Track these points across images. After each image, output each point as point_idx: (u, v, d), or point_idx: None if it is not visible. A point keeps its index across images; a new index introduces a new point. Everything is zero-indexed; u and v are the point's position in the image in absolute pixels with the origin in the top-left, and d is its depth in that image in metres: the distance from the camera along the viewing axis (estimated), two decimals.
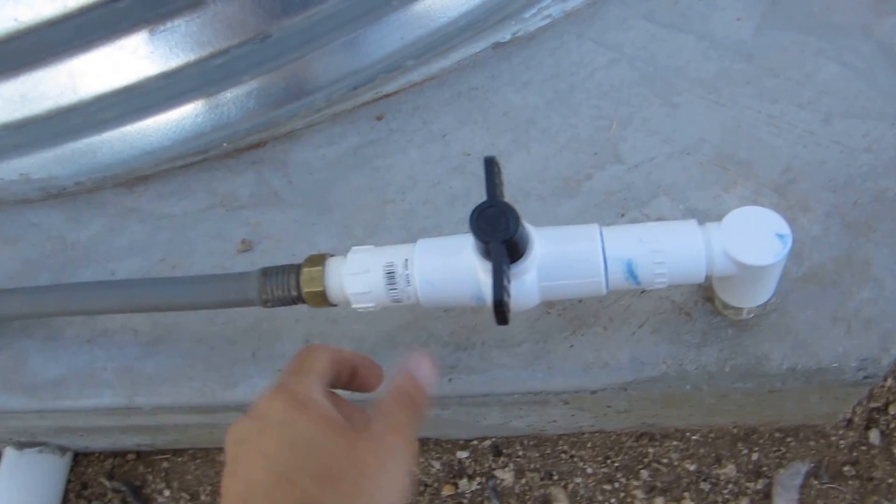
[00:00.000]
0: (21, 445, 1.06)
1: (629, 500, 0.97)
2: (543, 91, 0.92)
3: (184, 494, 1.09)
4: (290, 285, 0.69)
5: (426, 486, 1.02)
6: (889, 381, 0.99)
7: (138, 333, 0.85)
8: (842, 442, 0.95)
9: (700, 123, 0.85)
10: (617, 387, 0.75)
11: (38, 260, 0.94)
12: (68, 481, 1.13)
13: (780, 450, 0.95)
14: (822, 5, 0.90)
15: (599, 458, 0.99)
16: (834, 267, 0.73)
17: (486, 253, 0.59)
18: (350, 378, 0.60)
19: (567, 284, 0.63)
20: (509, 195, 0.59)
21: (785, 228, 0.62)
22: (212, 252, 0.89)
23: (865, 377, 0.71)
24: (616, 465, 0.98)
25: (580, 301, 0.76)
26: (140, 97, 0.93)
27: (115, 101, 0.93)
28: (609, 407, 0.83)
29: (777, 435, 0.96)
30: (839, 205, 0.76)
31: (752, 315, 0.72)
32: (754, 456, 0.96)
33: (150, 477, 1.11)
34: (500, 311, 0.56)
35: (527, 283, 0.62)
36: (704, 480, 0.96)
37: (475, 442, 1.02)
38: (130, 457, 1.12)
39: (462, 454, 1.02)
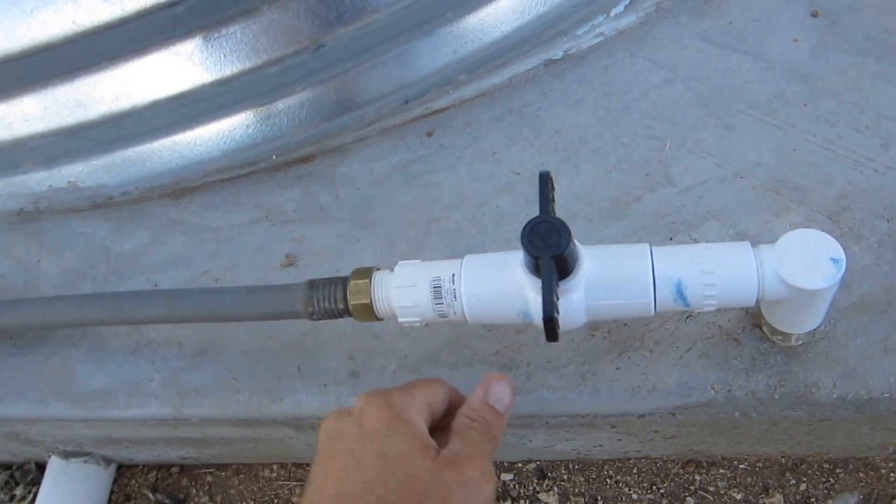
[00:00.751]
0: (66, 455, 1.10)
1: None
2: (596, 110, 0.95)
3: None
4: (337, 297, 0.71)
5: None
6: None
7: (183, 345, 0.90)
8: (892, 475, 0.96)
9: (755, 146, 0.88)
10: (665, 411, 0.78)
11: (82, 270, 0.99)
12: (111, 492, 1.17)
13: (828, 481, 0.97)
14: (881, 27, 0.93)
15: (645, 485, 1.01)
16: (885, 296, 0.76)
17: (536, 268, 0.61)
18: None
19: (615, 304, 0.65)
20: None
21: (839, 252, 0.64)
22: (255, 266, 0.93)
23: None
24: (662, 491, 1.00)
25: (626, 324, 0.79)
26: (193, 105, 0.98)
27: (169, 108, 0.98)
28: (656, 432, 0.86)
29: (826, 466, 0.98)
30: (893, 233, 0.79)
31: (800, 342, 0.74)
32: (802, 486, 0.98)
33: (193, 490, 1.15)
34: (550, 326, 0.59)
35: (574, 302, 0.64)
36: None
37: (519, 464, 1.05)
38: (174, 470, 1.17)
39: (506, 476, 1.05)
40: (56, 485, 1.09)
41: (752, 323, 0.77)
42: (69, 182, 1.04)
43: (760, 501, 0.98)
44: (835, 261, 0.63)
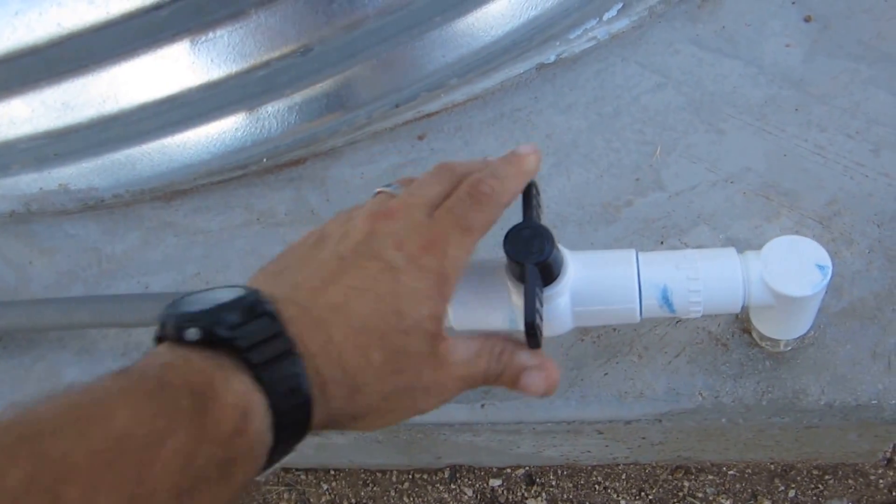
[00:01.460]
0: None
1: None
2: (587, 114, 0.95)
3: None
4: None
5: None
6: None
7: None
8: (881, 482, 0.96)
9: (746, 151, 0.88)
10: (652, 417, 0.78)
11: (73, 272, 0.99)
12: None
13: (817, 488, 0.97)
14: (874, 33, 0.93)
15: (634, 491, 1.01)
16: (875, 302, 0.76)
17: (520, 275, 0.61)
18: None
19: (600, 310, 0.65)
20: (546, 221, 0.62)
21: (825, 259, 0.64)
22: (246, 268, 0.93)
23: None
24: (650, 498, 1.00)
25: (615, 329, 0.79)
26: (182, 108, 0.98)
27: (157, 111, 0.98)
28: (644, 438, 0.86)
29: (815, 472, 0.97)
30: (883, 239, 0.79)
31: (789, 348, 0.74)
32: (791, 493, 0.98)
33: None
34: (533, 333, 0.59)
35: (560, 308, 0.64)
36: None
37: (508, 470, 1.05)
38: None
39: (495, 482, 1.05)
40: None
41: (741, 329, 0.77)
42: (60, 184, 1.04)
43: None
44: (821, 267, 0.63)
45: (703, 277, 0.64)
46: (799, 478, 0.98)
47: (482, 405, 0.80)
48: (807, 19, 0.96)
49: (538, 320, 0.58)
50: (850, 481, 0.97)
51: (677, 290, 0.64)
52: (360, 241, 0.51)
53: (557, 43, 0.99)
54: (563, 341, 0.79)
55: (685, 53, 0.97)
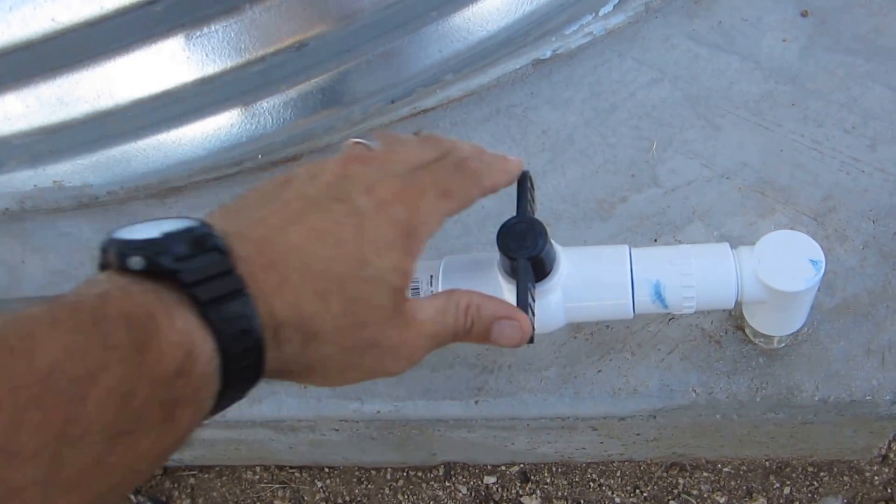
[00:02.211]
0: None
1: None
2: (583, 110, 0.95)
3: None
4: None
5: None
6: None
7: None
8: (876, 478, 0.96)
9: (742, 147, 0.88)
10: (646, 414, 0.78)
11: (66, 270, 0.99)
12: None
13: (812, 484, 0.97)
14: (871, 27, 0.93)
15: (629, 488, 1.01)
16: (868, 298, 0.76)
17: (512, 270, 0.61)
18: None
19: (593, 306, 0.65)
20: (540, 217, 0.62)
21: (819, 254, 0.64)
22: None
23: None
24: (645, 495, 1.00)
25: (608, 326, 0.79)
26: (176, 104, 0.98)
27: (152, 107, 0.98)
28: (638, 435, 0.86)
29: (810, 469, 0.98)
30: (878, 235, 0.79)
31: (783, 344, 0.74)
32: (786, 490, 0.98)
33: (175, 493, 1.15)
34: None
35: (552, 303, 0.64)
36: None
37: (502, 467, 1.05)
38: (157, 471, 1.17)
39: (489, 479, 1.05)
40: None
41: (735, 325, 0.77)
42: (54, 181, 1.04)
43: None
44: (814, 262, 0.63)
45: (696, 273, 0.64)
46: (794, 475, 0.98)
47: (476, 401, 0.80)
48: (803, 14, 0.96)
49: (531, 316, 0.59)
50: (846, 478, 0.97)
51: (670, 286, 0.64)
52: (330, 182, 0.48)
53: (553, 38, 0.99)
54: (556, 338, 0.79)
55: (681, 49, 0.97)
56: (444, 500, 1.07)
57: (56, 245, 1.02)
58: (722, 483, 0.99)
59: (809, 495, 0.97)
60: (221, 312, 0.40)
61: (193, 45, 0.93)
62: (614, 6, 1.00)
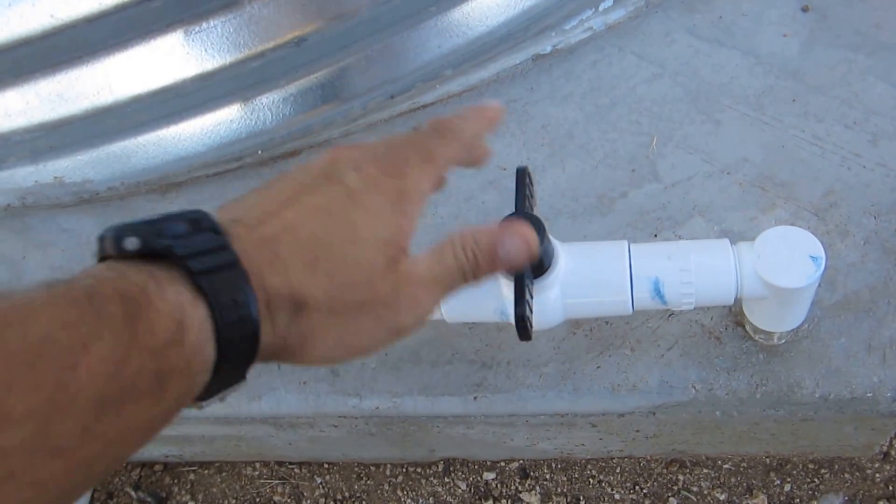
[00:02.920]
0: None
1: None
2: (583, 105, 0.94)
3: None
4: None
5: None
6: None
7: None
8: (878, 475, 0.95)
9: (742, 142, 0.87)
10: (645, 410, 0.77)
11: (67, 266, 0.98)
12: (94, 490, 1.16)
13: (813, 482, 0.96)
14: (871, 23, 0.91)
15: (628, 485, 1.00)
16: (870, 295, 0.75)
17: None
18: None
19: (591, 302, 0.65)
20: (539, 212, 0.61)
21: (819, 250, 0.63)
22: None
23: None
24: (645, 491, 0.99)
25: (607, 322, 0.78)
26: (176, 100, 0.97)
27: (152, 102, 0.97)
28: (638, 431, 0.85)
29: (811, 466, 0.97)
30: (880, 230, 0.78)
31: (783, 340, 0.73)
32: (786, 487, 0.97)
33: (175, 489, 1.14)
34: (522, 325, 0.58)
35: (550, 300, 0.63)
36: None
37: (502, 463, 1.04)
38: (157, 468, 1.16)
39: (489, 475, 1.04)
40: None
41: (735, 321, 0.76)
42: (55, 177, 1.03)
43: (744, 502, 0.97)
44: (814, 258, 0.62)
45: (696, 269, 0.63)
46: (794, 472, 0.97)
47: (475, 397, 0.79)
48: (804, 9, 0.95)
49: (528, 312, 0.58)
50: (847, 475, 0.96)
51: (669, 282, 0.63)
52: (321, 166, 0.48)
53: (553, 34, 0.98)
54: (555, 334, 0.78)
55: (682, 44, 0.96)
56: (443, 496, 1.06)
57: (57, 241, 1.01)
58: (722, 480, 0.98)
59: (810, 492, 0.96)
60: (213, 283, 0.40)
61: (192, 40, 0.92)
62: (614, 1, 0.99)
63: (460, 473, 1.06)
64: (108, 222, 0.98)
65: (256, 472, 1.12)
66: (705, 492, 0.98)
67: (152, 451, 1.07)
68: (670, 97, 0.92)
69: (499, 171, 0.91)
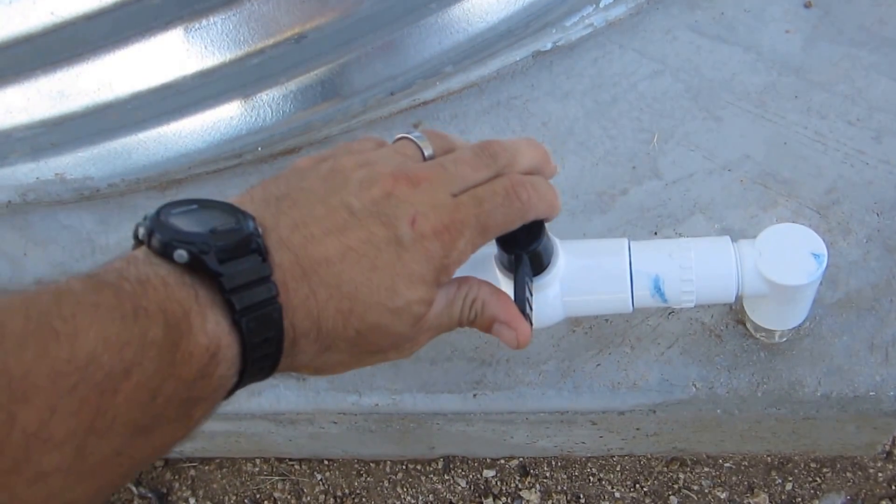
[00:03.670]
0: None
1: None
2: (584, 102, 0.93)
3: (209, 503, 1.12)
4: None
5: None
6: None
7: None
8: (880, 475, 0.94)
9: (744, 139, 0.85)
10: (646, 408, 0.76)
11: (67, 263, 0.97)
12: None
13: (815, 481, 0.95)
14: (875, 18, 0.90)
15: (628, 483, 0.99)
16: (872, 293, 0.73)
17: (509, 264, 0.59)
18: None
19: (591, 300, 0.63)
20: None
21: (821, 247, 0.61)
22: None
23: None
24: (645, 490, 0.98)
25: (607, 319, 0.77)
26: (176, 97, 0.96)
27: (152, 99, 0.96)
28: (638, 429, 0.84)
29: (813, 465, 0.95)
30: (882, 228, 0.76)
31: (784, 339, 0.72)
32: (788, 486, 0.95)
33: (176, 484, 1.13)
34: None
35: (550, 298, 0.62)
36: None
37: (502, 461, 1.03)
38: (158, 463, 1.15)
39: (488, 473, 1.03)
40: None
41: (736, 319, 0.74)
42: (56, 174, 1.02)
43: (745, 501, 0.96)
44: (816, 256, 0.61)
45: (696, 266, 0.62)
46: (796, 470, 0.96)
47: (474, 395, 0.78)
48: (807, 5, 0.93)
49: (528, 310, 0.57)
50: (849, 474, 0.95)
51: (669, 280, 0.62)
52: (376, 199, 0.47)
53: (554, 30, 0.97)
54: (555, 332, 0.77)
55: (683, 40, 0.94)
56: (443, 493, 1.05)
57: (58, 237, 1.01)
58: (723, 478, 0.97)
59: (812, 491, 0.95)
60: (251, 322, 0.41)
61: (193, 37, 0.91)
62: None
63: (460, 471, 1.05)
64: (108, 219, 0.97)
65: (257, 469, 1.11)
66: (706, 490, 0.97)
67: None
68: (671, 94, 0.91)
69: None
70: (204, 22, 0.90)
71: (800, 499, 0.95)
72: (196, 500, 1.12)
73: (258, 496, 1.10)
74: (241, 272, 0.41)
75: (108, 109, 0.97)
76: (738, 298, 0.64)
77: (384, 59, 0.96)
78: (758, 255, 0.62)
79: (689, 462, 0.98)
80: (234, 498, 1.11)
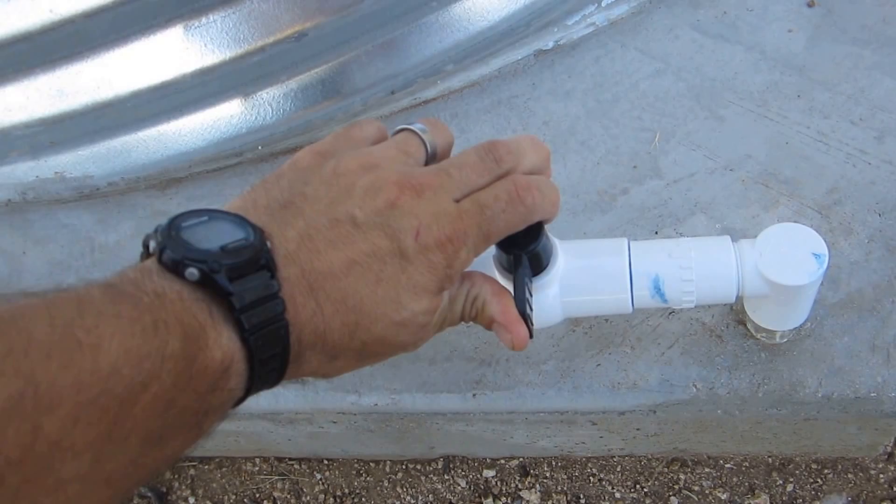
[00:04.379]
0: None
1: None
2: (585, 101, 0.93)
3: (208, 502, 1.12)
4: None
5: None
6: None
7: None
8: (882, 476, 0.94)
9: (746, 138, 0.85)
10: (646, 408, 0.76)
11: (66, 262, 0.97)
12: None
13: (816, 482, 0.95)
14: (878, 17, 0.90)
15: (629, 483, 0.99)
16: (874, 293, 0.73)
17: (508, 264, 0.59)
18: None
19: (590, 300, 0.63)
20: None
21: (822, 247, 0.61)
22: None
23: None
24: (646, 490, 0.98)
25: (607, 319, 0.77)
26: (176, 95, 0.96)
27: (152, 97, 0.96)
28: (638, 430, 0.84)
29: (814, 466, 0.95)
30: (884, 228, 0.76)
31: (785, 339, 0.72)
32: (789, 487, 0.95)
33: (176, 483, 1.13)
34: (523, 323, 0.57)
35: (549, 298, 0.62)
36: None
37: (502, 461, 1.03)
38: None
39: (488, 473, 1.03)
40: None
41: (736, 320, 0.74)
42: (56, 172, 1.02)
43: (746, 502, 0.96)
44: (817, 256, 0.61)
45: (696, 267, 0.62)
46: (797, 472, 0.96)
47: (474, 394, 0.78)
48: (810, 4, 0.93)
49: (528, 310, 0.57)
50: (850, 476, 0.95)
51: (669, 280, 0.62)
52: (380, 210, 0.48)
53: (556, 29, 0.97)
54: (555, 332, 0.77)
55: (685, 39, 0.94)
56: (442, 493, 1.05)
57: (57, 236, 1.01)
58: (724, 479, 0.97)
59: (813, 493, 0.95)
60: (260, 339, 0.42)
61: (192, 35, 0.91)
62: None
63: (460, 471, 1.04)
64: (108, 218, 0.96)
65: (256, 468, 1.11)
66: (707, 491, 0.97)
67: None
68: (673, 93, 0.91)
69: None
70: (204, 20, 0.90)
71: (801, 500, 0.94)
72: (196, 499, 1.12)
73: (258, 495, 1.10)
74: (251, 289, 0.42)
75: (108, 108, 0.97)
76: (739, 299, 0.64)
77: (385, 57, 0.96)
78: (758, 255, 0.61)
79: (689, 463, 0.98)
80: (233, 497, 1.11)
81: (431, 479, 1.05)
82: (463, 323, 0.56)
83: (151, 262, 0.42)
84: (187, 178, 1.00)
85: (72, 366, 0.35)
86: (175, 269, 0.41)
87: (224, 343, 0.40)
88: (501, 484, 1.03)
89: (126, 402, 0.36)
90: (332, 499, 1.08)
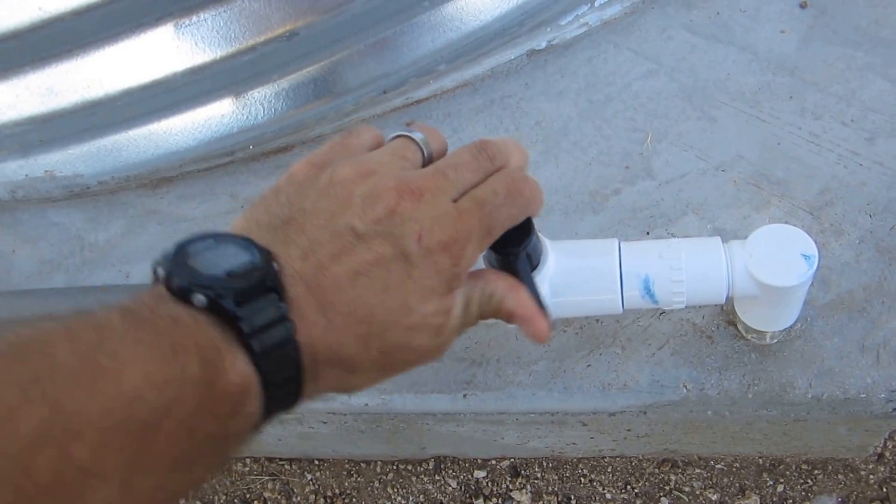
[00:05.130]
0: None
1: None
2: (578, 101, 0.93)
3: (199, 503, 1.12)
4: None
5: None
6: None
7: None
8: (871, 477, 0.94)
9: (738, 139, 0.86)
10: (636, 409, 0.76)
11: (56, 260, 0.98)
12: None
13: (806, 482, 0.95)
14: (871, 19, 0.91)
15: (620, 484, 0.99)
16: (864, 294, 0.74)
17: (499, 264, 0.59)
18: None
19: (581, 301, 0.63)
20: None
21: (812, 248, 0.61)
22: None
23: (895, 409, 0.71)
24: (636, 491, 0.99)
25: (598, 320, 0.77)
26: (167, 94, 0.96)
27: (142, 96, 0.96)
28: (629, 430, 0.84)
29: (804, 467, 0.96)
30: (875, 230, 0.77)
31: (775, 340, 0.72)
32: (779, 488, 0.96)
33: None
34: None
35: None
36: None
37: (493, 461, 1.04)
38: None
39: (479, 473, 1.04)
40: None
41: (727, 321, 0.75)
42: (46, 171, 1.02)
43: (736, 502, 0.97)
44: (807, 257, 0.61)
45: (686, 268, 0.62)
46: (787, 472, 0.96)
47: (464, 395, 0.78)
48: (802, 5, 0.94)
49: (542, 303, 0.57)
50: (840, 476, 0.95)
51: (659, 281, 0.62)
52: (380, 218, 0.47)
53: (548, 29, 0.97)
54: None
55: (678, 40, 0.95)
56: (433, 493, 1.05)
57: (46, 235, 1.01)
58: (714, 480, 0.97)
59: (803, 493, 0.95)
60: (271, 362, 0.42)
61: (183, 34, 0.91)
62: None
63: (451, 471, 1.05)
64: (98, 217, 0.96)
65: (247, 468, 1.11)
66: (697, 492, 0.97)
67: None
68: (666, 94, 0.91)
69: None
70: (194, 18, 0.90)
71: (791, 500, 0.95)
72: (185, 500, 1.12)
73: (248, 496, 1.10)
74: (260, 313, 0.42)
75: (98, 106, 0.98)
76: (729, 300, 0.64)
77: (377, 57, 0.96)
78: (748, 255, 0.62)
79: (680, 463, 0.98)
80: (223, 497, 1.11)
81: (422, 479, 1.06)
82: (483, 322, 0.56)
83: (163, 288, 0.42)
84: (178, 177, 1.00)
85: (96, 392, 0.35)
86: (183, 296, 0.41)
87: (240, 367, 0.40)
88: (492, 484, 1.03)
89: (150, 427, 0.36)
90: (322, 499, 1.08)
